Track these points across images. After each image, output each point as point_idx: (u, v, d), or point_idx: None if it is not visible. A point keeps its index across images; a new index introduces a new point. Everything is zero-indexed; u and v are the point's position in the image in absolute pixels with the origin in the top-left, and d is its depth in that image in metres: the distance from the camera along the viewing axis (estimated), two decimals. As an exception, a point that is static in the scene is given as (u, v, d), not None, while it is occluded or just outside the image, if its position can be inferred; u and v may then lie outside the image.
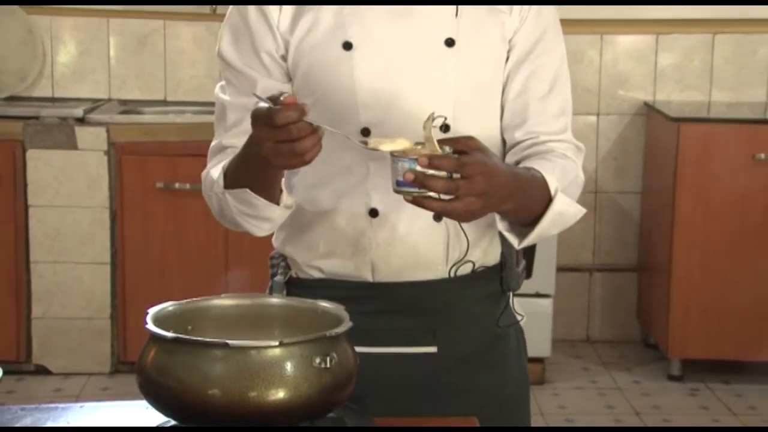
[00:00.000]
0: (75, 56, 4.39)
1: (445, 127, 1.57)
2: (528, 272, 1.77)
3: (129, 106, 4.30)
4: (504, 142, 1.68)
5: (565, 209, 1.54)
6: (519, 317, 1.75)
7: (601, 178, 4.44)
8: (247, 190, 1.51)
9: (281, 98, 1.36)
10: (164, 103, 4.38)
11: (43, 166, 3.93)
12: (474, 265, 1.66)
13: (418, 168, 1.35)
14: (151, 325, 1.33)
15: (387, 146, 1.39)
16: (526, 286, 1.76)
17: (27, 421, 1.44)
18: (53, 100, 4.34)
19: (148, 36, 4.38)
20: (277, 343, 1.27)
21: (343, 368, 1.31)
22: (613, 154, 4.46)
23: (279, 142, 1.37)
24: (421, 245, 1.62)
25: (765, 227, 3.91)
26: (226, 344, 1.26)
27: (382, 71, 1.58)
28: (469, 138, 1.43)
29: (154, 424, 1.37)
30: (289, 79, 1.64)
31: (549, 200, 1.52)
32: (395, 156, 1.37)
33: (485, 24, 1.62)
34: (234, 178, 1.54)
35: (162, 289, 3.79)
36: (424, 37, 1.59)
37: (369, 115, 1.58)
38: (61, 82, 4.39)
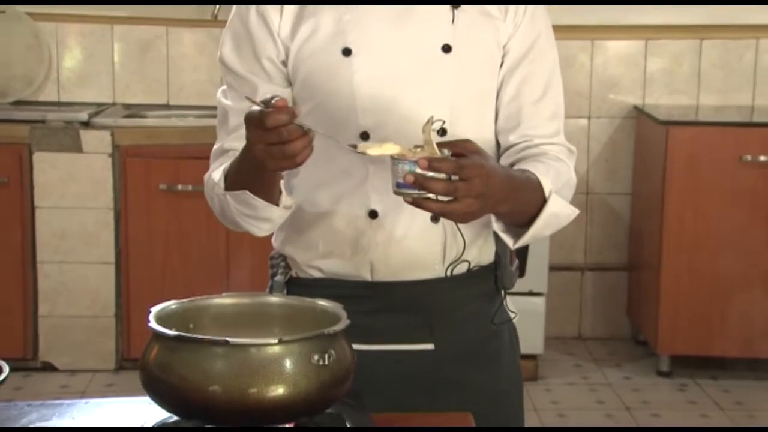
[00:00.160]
0: (80, 61, 4.39)
1: (442, 131, 1.57)
2: (521, 271, 1.77)
3: (133, 110, 4.29)
4: (498, 144, 1.68)
5: (559, 210, 1.55)
6: (512, 315, 1.75)
7: (593, 180, 4.44)
8: (247, 191, 1.51)
9: (272, 102, 1.36)
10: (167, 107, 4.38)
11: (50, 169, 3.92)
12: (469, 264, 1.66)
13: (418, 170, 1.35)
14: (153, 324, 1.32)
15: (374, 150, 1.39)
16: (520, 284, 1.76)
17: (33, 417, 1.44)
18: (59, 104, 4.33)
19: (151, 42, 4.37)
20: (276, 341, 1.27)
21: (340, 365, 1.31)
22: (604, 156, 4.46)
23: (270, 144, 1.37)
24: (419, 246, 1.62)
25: (751, 227, 3.91)
26: (227, 342, 1.26)
27: (380, 77, 1.58)
28: (467, 141, 1.43)
29: (156, 420, 1.36)
30: (290, 84, 1.64)
31: (543, 202, 1.52)
32: (395, 159, 1.37)
33: (480, 30, 1.62)
34: (234, 180, 1.54)
35: (165, 288, 3.79)
36: (422, 43, 1.59)
37: (368, 119, 1.58)
38: (67, 86, 4.39)
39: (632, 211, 4.46)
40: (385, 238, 1.61)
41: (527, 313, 2.35)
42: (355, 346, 1.38)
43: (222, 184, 1.55)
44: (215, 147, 1.67)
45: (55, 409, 1.47)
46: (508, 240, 1.55)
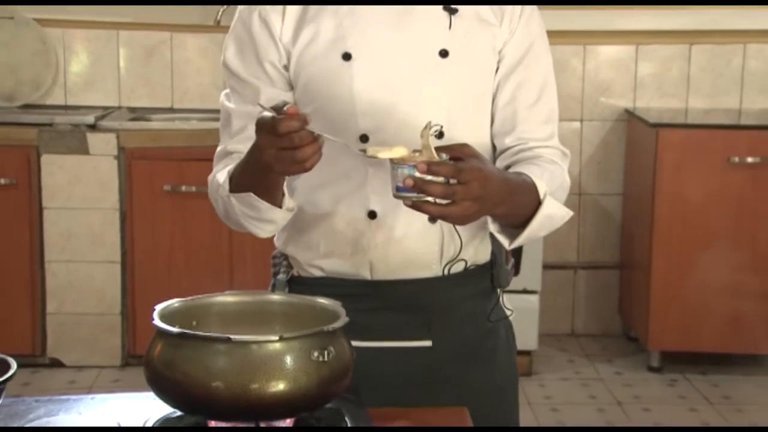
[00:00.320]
0: (86, 66, 4.39)
1: (439, 134, 1.57)
2: (516, 270, 1.77)
3: (138, 114, 4.29)
4: (494, 147, 1.68)
5: (554, 212, 1.54)
6: (508, 312, 1.75)
7: (585, 181, 4.44)
8: (251, 194, 1.51)
9: (284, 108, 1.36)
10: (171, 110, 4.38)
11: (57, 171, 3.92)
12: (466, 263, 1.66)
13: (417, 174, 1.35)
14: (157, 321, 1.32)
15: (385, 153, 1.39)
16: (514, 282, 1.76)
17: (41, 412, 1.44)
18: (66, 107, 4.33)
19: (156, 47, 4.37)
20: (277, 338, 1.27)
21: (340, 361, 1.30)
22: (596, 158, 4.46)
23: (281, 149, 1.37)
24: (418, 245, 1.62)
25: (739, 227, 3.91)
26: (229, 339, 1.26)
27: (379, 81, 1.58)
28: (464, 145, 1.43)
29: (160, 415, 1.36)
30: (291, 87, 1.64)
31: (538, 204, 1.52)
32: (395, 163, 1.38)
33: (477, 36, 1.62)
34: (238, 182, 1.53)
35: (169, 287, 3.78)
36: (420, 48, 1.59)
37: (367, 122, 1.58)
38: (74, 90, 4.39)
39: (623, 211, 4.45)
40: (384, 238, 1.61)
41: (522, 311, 2.33)
42: (355, 343, 1.38)
43: (227, 186, 1.55)
44: (219, 149, 1.67)
45: (62, 405, 1.47)
46: (504, 241, 1.55)
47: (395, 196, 1.39)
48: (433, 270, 1.64)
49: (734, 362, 4.02)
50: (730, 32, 4.35)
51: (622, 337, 4.46)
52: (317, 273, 1.67)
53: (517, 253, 1.68)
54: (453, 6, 1.60)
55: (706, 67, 4.40)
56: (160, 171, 3.92)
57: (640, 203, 4.15)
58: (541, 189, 1.52)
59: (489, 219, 1.53)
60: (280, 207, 1.54)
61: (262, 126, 1.38)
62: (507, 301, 1.76)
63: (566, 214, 1.57)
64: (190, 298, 1.43)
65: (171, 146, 3.94)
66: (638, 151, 4.25)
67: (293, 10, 1.61)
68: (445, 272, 1.64)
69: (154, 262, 3.95)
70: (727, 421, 3.61)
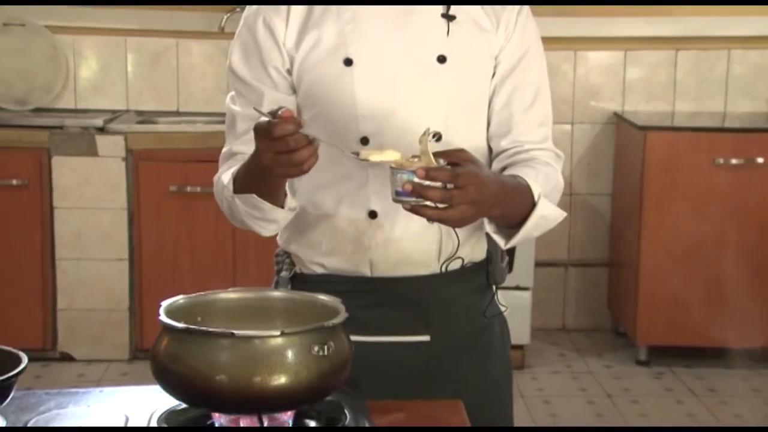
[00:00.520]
0: (96, 71, 4.38)
1: (437, 137, 1.57)
2: (510, 267, 1.77)
3: (145, 117, 4.29)
4: (490, 149, 1.68)
5: (548, 213, 1.54)
6: (503, 309, 1.75)
7: (576, 182, 4.44)
8: (254, 195, 1.51)
9: (279, 112, 1.35)
10: (177, 113, 4.37)
11: (68, 172, 3.92)
12: (463, 261, 1.66)
13: (416, 179, 1.35)
14: (163, 317, 1.32)
15: (376, 157, 1.40)
16: (507, 279, 1.76)
17: (51, 404, 1.43)
18: (76, 111, 4.32)
19: (162, 53, 4.37)
20: (278, 333, 1.26)
21: (339, 356, 1.30)
22: (586, 159, 4.46)
23: (278, 153, 1.37)
24: (416, 244, 1.62)
25: (723, 225, 3.91)
26: (232, 334, 1.26)
27: (380, 86, 1.58)
28: (461, 150, 1.43)
29: (166, 408, 1.36)
30: (294, 91, 1.64)
31: (533, 205, 1.52)
32: (394, 168, 1.38)
33: (474, 42, 1.62)
34: (242, 183, 1.53)
35: (175, 284, 3.78)
36: (419, 54, 1.59)
37: (368, 125, 1.58)
38: (83, 94, 4.38)
39: (612, 210, 4.45)
40: (384, 237, 1.61)
41: (514, 307, 2.33)
42: (355, 338, 1.38)
43: (231, 187, 1.55)
44: (224, 150, 1.66)
45: (72, 397, 1.47)
46: (499, 241, 1.55)
47: (395, 200, 1.39)
48: (431, 267, 1.64)
49: (719, 356, 4.01)
50: (715, 39, 4.35)
51: (611, 332, 4.46)
52: (319, 270, 1.67)
53: (511, 251, 1.68)
54: (451, 13, 1.60)
55: (691, 72, 4.40)
56: (167, 172, 3.91)
57: (629, 203, 4.15)
58: (536, 191, 1.52)
59: (485, 220, 1.53)
60: (283, 207, 1.54)
61: (259, 130, 1.38)
62: (500, 297, 1.76)
63: (560, 214, 1.57)
64: (194, 294, 1.43)
65: (177, 148, 3.93)
66: (627, 153, 4.25)
67: (297, 16, 1.61)
68: (443, 270, 1.64)
69: (160, 260, 3.95)
70: (712, 413, 3.61)
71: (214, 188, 1.64)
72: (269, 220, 1.56)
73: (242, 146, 1.61)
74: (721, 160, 3.89)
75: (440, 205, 1.37)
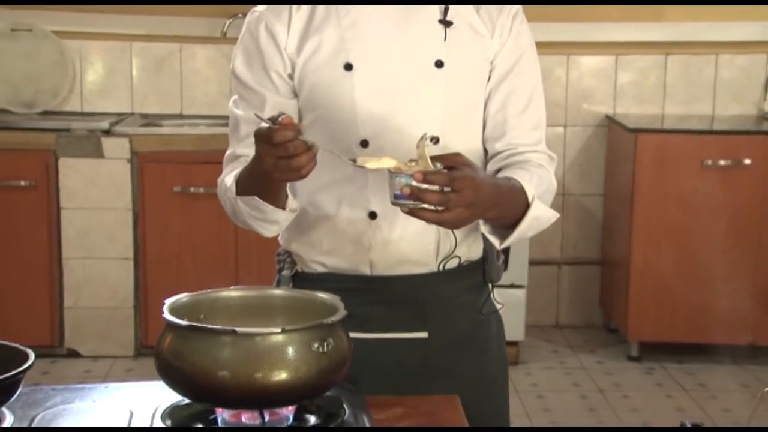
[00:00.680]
0: (102, 75, 4.38)
1: (435, 139, 1.57)
2: (505, 266, 1.77)
3: (149, 120, 4.28)
4: (485, 151, 1.67)
5: (541, 214, 1.54)
6: (499, 306, 1.75)
7: (568, 182, 4.44)
8: (256, 197, 1.50)
9: (279, 119, 1.35)
10: (180, 116, 4.37)
11: (74, 173, 3.91)
12: (460, 259, 1.66)
13: (414, 183, 1.36)
14: (167, 314, 1.31)
15: (373, 164, 1.40)
16: (502, 278, 1.75)
17: (57, 400, 1.43)
18: (82, 114, 4.31)
19: (166, 57, 4.36)
20: (279, 330, 1.26)
21: (338, 352, 1.30)
22: (579, 161, 4.45)
23: (278, 158, 1.37)
24: (415, 244, 1.62)
25: (712, 225, 3.91)
26: (234, 331, 1.25)
27: (379, 90, 1.58)
28: (457, 154, 1.44)
29: (170, 403, 1.35)
30: (296, 95, 1.63)
31: (527, 206, 1.51)
32: (393, 172, 1.38)
33: (470, 47, 1.62)
34: (244, 186, 1.53)
35: (178, 282, 3.78)
36: (417, 59, 1.59)
37: (367, 129, 1.58)
38: (90, 98, 4.38)
39: (604, 210, 4.45)
40: (383, 237, 1.61)
41: (509, 304, 2.31)
42: (355, 335, 1.38)
43: (233, 189, 1.55)
44: (228, 153, 1.66)
45: (77, 393, 1.46)
46: (494, 241, 1.55)
47: (393, 204, 1.40)
48: (429, 266, 1.63)
49: (708, 352, 4.01)
50: (704, 44, 4.35)
51: (603, 329, 4.46)
52: (320, 269, 1.66)
53: (506, 250, 1.67)
54: (448, 19, 1.60)
55: (681, 76, 4.40)
56: (170, 173, 3.91)
57: (620, 203, 4.15)
58: (530, 192, 1.52)
59: (481, 221, 1.53)
60: (284, 209, 1.54)
61: (260, 136, 1.38)
62: (496, 295, 1.75)
63: (553, 215, 1.57)
64: (197, 292, 1.42)
65: (180, 150, 3.93)
66: (618, 155, 4.25)
67: (298, 22, 1.61)
68: (440, 268, 1.64)
69: (164, 259, 3.94)
70: (702, 408, 3.61)
71: (217, 189, 1.63)
72: (271, 221, 1.56)
73: (245, 149, 1.60)
74: (710, 162, 3.89)
75: (437, 208, 1.37)
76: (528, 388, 3.80)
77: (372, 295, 1.62)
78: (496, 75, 1.64)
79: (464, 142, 1.61)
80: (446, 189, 1.37)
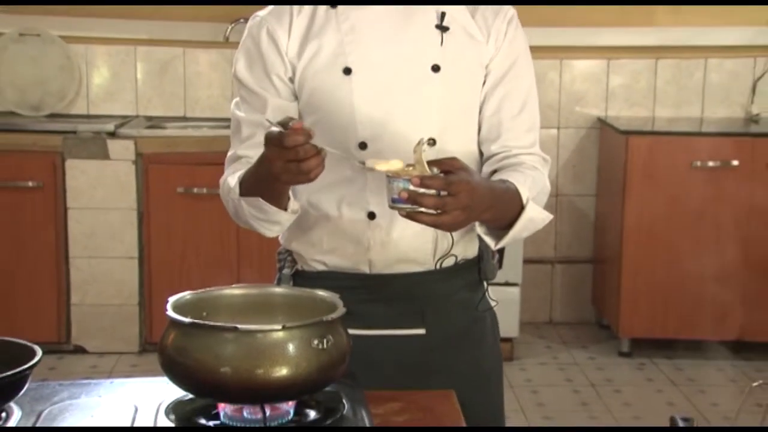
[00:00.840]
0: (107, 79, 4.37)
1: (432, 141, 1.56)
2: (500, 264, 1.77)
3: (154, 122, 4.27)
4: (481, 153, 1.67)
5: (535, 215, 1.54)
6: (493, 303, 1.75)
7: (561, 183, 4.44)
8: (260, 199, 1.50)
9: (290, 124, 1.35)
10: (184, 119, 4.36)
11: (80, 174, 3.91)
12: (456, 258, 1.65)
13: (411, 187, 1.36)
14: (171, 312, 1.31)
15: (382, 166, 1.40)
16: (497, 276, 1.75)
17: (64, 395, 1.42)
18: (88, 116, 4.31)
19: (170, 61, 4.36)
20: (280, 327, 1.26)
21: (338, 349, 1.29)
22: (572, 162, 4.45)
23: (288, 161, 1.37)
24: (413, 244, 1.61)
25: (701, 224, 3.91)
26: (236, 328, 1.25)
27: (377, 93, 1.58)
28: (453, 159, 1.43)
29: (173, 398, 1.35)
30: (296, 98, 1.63)
31: (521, 208, 1.51)
32: (390, 177, 1.38)
33: (466, 52, 1.61)
34: (248, 187, 1.53)
35: (182, 280, 3.78)
36: (414, 63, 1.59)
37: (366, 131, 1.58)
38: (95, 101, 4.37)
39: (596, 210, 4.45)
40: (382, 237, 1.60)
41: (504, 302, 2.32)
42: (354, 332, 1.37)
43: (237, 190, 1.54)
44: (230, 153, 1.66)
45: (84, 388, 1.45)
46: (490, 242, 1.55)
47: (391, 207, 1.40)
48: (427, 265, 1.63)
49: (697, 348, 4.01)
50: (693, 48, 4.35)
51: (595, 325, 4.46)
52: (320, 267, 1.66)
53: (501, 249, 1.67)
54: (444, 25, 1.59)
55: (670, 80, 4.40)
56: (174, 174, 3.90)
57: (612, 203, 4.15)
58: (524, 195, 1.52)
59: (476, 222, 1.53)
60: (286, 210, 1.53)
61: (270, 140, 1.38)
62: (491, 292, 1.75)
63: (546, 217, 1.57)
64: (200, 290, 1.42)
65: (184, 152, 3.92)
66: (610, 156, 4.25)
67: (299, 27, 1.61)
68: (437, 267, 1.64)
69: (168, 258, 3.94)
70: (691, 402, 3.61)
71: (220, 190, 1.63)
72: (273, 222, 1.56)
73: (247, 150, 1.60)
74: (699, 163, 3.89)
75: (434, 211, 1.37)
76: (522, 383, 3.80)
77: (371, 293, 1.62)
78: (491, 79, 1.64)
79: (460, 144, 1.61)
80: (443, 193, 1.37)
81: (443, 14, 1.60)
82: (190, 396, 1.34)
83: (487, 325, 1.73)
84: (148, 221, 3.94)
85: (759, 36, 4.31)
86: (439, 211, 1.37)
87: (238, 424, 1.29)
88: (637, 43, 4.34)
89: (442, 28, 1.60)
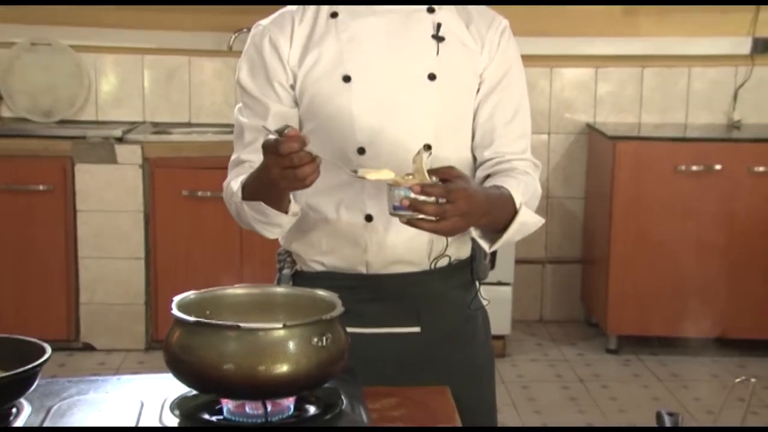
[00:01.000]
0: (115, 86, 4.37)
1: (428, 147, 1.56)
2: (492, 264, 1.76)
3: (160, 128, 4.27)
4: (474, 159, 1.67)
5: (528, 220, 1.54)
6: (485, 302, 1.74)
7: (552, 186, 4.44)
8: (261, 203, 1.50)
9: (285, 131, 1.35)
10: (189, 125, 4.36)
11: (89, 178, 3.90)
12: (450, 259, 1.65)
13: (412, 195, 1.36)
14: (175, 311, 1.31)
15: (373, 175, 1.41)
16: (489, 275, 1.75)
17: (72, 391, 1.42)
18: (97, 122, 4.30)
19: (176, 70, 4.35)
20: (281, 326, 1.25)
21: (336, 346, 1.29)
22: (562, 166, 4.45)
23: (284, 168, 1.37)
24: (408, 245, 1.61)
25: (685, 226, 3.91)
26: (239, 326, 1.25)
27: (375, 100, 1.58)
28: (450, 168, 1.44)
29: (178, 394, 1.34)
30: (297, 104, 1.63)
31: (515, 213, 1.51)
32: (392, 185, 1.38)
33: (461, 61, 1.61)
34: (250, 191, 1.53)
35: (186, 280, 3.74)
36: (411, 72, 1.59)
37: (364, 137, 1.57)
38: (104, 107, 4.37)
39: (585, 212, 4.45)
40: (378, 238, 1.60)
41: (497, 300, 2.33)
42: (352, 330, 1.37)
43: (240, 194, 1.54)
44: (233, 157, 1.66)
45: (92, 384, 1.45)
46: (484, 245, 1.55)
47: (392, 214, 1.40)
48: (422, 265, 1.63)
49: (681, 344, 4.01)
50: (677, 57, 4.35)
51: (584, 323, 4.46)
52: (318, 268, 1.66)
53: (493, 250, 1.67)
54: (440, 35, 1.59)
55: (656, 88, 4.40)
56: (179, 178, 3.90)
57: (600, 205, 4.15)
58: (518, 200, 1.52)
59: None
60: (286, 212, 1.53)
61: (267, 147, 1.38)
62: (483, 292, 1.75)
63: (539, 221, 1.57)
64: (204, 290, 1.41)
65: (189, 156, 3.92)
66: (598, 160, 4.25)
67: (300, 36, 1.61)
68: (432, 267, 1.63)
69: (173, 259, 3.93)
70: (675, 397, 3.61)
71: (223, 193, 1.63)
72: (274, 225, 1.56)
73: (249, 154, 1.60)
74: (683, 167, 3.89)
75: (434, 218, 1.38)
76: (514, 378, 3.79)
77: (368, 292, 1.62)
78: (484, 87, 1.64)
79: (454, 150, 1.61)
80: (441, 200, 1.37)
81: (439, 25, 1.60)
82: (195, 392, 1.33)
83: (479, 323, 1.72)
84: (154, 223, 3.94)
85: (740, 46, 4.31)
86: (438, 218, 1.37)
87: (241, 419, 1.29)
88: (624, 53, 4.34)
89: (438, 39, 1.59)
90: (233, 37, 4.20)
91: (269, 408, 1.28)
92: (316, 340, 1.26)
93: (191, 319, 1.28)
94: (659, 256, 3.93)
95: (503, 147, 1.64)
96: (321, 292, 1.40)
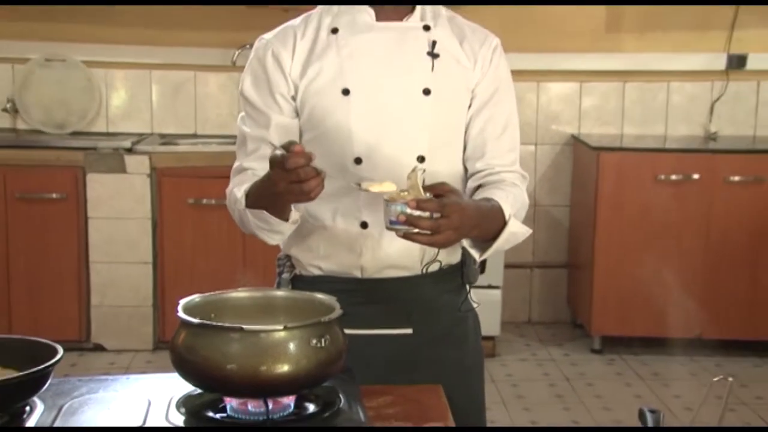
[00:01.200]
0: (125, 100, 4.36)
1: (421, 159, 1.56)
2: (482, 269, 1.76)
3: (167, 139, 4.26)
4: (465, 170, 1.67)
5: (517, 230, 1.54)
6: (475, 305, 1.74)
7: (539, 195, 4.44)
8: (264, 212, 1.50)
9: (291, 147, 1.35)
10: (195, 136, 4.35)
11: (100, 187, 3.89)
12: (441, 264, 1.65)
13: (408, 210, 1.36)
14: (181, 313, 1.30)
15: (375, 188, 1.41)
16: (480, 279, 1.75)
17: (83, 390, 1.41)
18: (107, 134, 4.30)
19: (182, 84, 4.35)
20: (282, 328, 1.25)
21: (335, 347, 1.29)
22: (548, 175, 4.46)
23: (290, 182, 1.37)
24: (401, 251, 1.61)
25: (665, 232, 3.92)
26: (241, 328, 1.24)
27: (372, 113, 1.58)
28: (443, 183, 1.45)
29: (184, 392, 1.34)
30: (297, 115, 1.63)
31: (504, 223, 1.51)
32: (388, 201, 1.38)
33: (454, 77, 1.61)
34: (254, 200, 1.52)
35: (192, 284, 3.73)
36: (406, 86, 1.59)
37: (361, 147, 1.57)
38: (114, 120, 4.36)
39: (571, 219, 4.45)
40: (373, 244, 1.60)
41: (487, 303, 2.32)
42: (348, 331, 1.36)
43: (243, 202, 1.54)
44: (235, 165, 1.65)
45: (102, 383, 1.44)
46: (474, 254, 1.54)
47: (388, 228, 1.40)
48: (414, 270, 1.63)
49: (662, 345, 4.01)
50: (657, 72, 4.37)
51: (570, 325, 4.45)
52: (316, 272, 1.65)
53: (483, 258, 1.67)
54: (435, 52, 1.60)
55: (637, 101, 4.41)
56: (185, 187, 3.89)
57: (585, 213, 4.15)
58: (507, 211, 1.53)
59: None
60: (288, 221, 1.53)
61: (274, 162, 1.38)
62: (474, 295, 1.75)
63: (526, 231, 1.57)
64: (209, 293, 1.41)
65: (194, 166, 3.91)
66: (582, 170, 4.25)
67: (302, 50, 1.61)
68: (424, 271, 1.63)
69: (179, 263, 3.93)
70: (656, 394, 3.61)
71: (226, 200, 1.62)
72: (276, 232, 1.55)
73: (251, 163, 1.60)
74: (663, 177, 3.89)
75: (428, 232, 1.38)
76: (503, 377, 3.79)
77: (363, 295, 1.61)
78: (476, 102, 1.64)
79: (447, 161, 1.61)
80: (436, 215, 1.37)
81: (434, 42, 1.60)
82: (199, 391, 1.33)
83: (470, 325, 1.72)
84: (161, 230, 3.93)
85: (716, 62, 4.33)
86: (432, 232, 1.38)
87: (243, 417, 1.29)
88: (607, 68, 4.35)
89: (433, 55, 1.60)
90: (237, 52, 4.20)
91: (270, 406, 1.27)
92: (315, 341, 1.25)
93: (196, 321, 1.28)
94: (641, 261, 3.93)
95: (494, 159, 1.64)
96: (320, 296, 1.40)
